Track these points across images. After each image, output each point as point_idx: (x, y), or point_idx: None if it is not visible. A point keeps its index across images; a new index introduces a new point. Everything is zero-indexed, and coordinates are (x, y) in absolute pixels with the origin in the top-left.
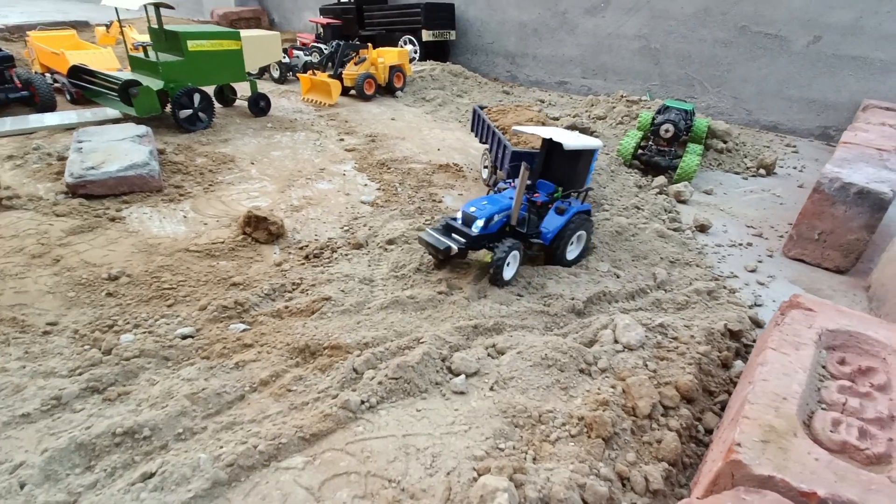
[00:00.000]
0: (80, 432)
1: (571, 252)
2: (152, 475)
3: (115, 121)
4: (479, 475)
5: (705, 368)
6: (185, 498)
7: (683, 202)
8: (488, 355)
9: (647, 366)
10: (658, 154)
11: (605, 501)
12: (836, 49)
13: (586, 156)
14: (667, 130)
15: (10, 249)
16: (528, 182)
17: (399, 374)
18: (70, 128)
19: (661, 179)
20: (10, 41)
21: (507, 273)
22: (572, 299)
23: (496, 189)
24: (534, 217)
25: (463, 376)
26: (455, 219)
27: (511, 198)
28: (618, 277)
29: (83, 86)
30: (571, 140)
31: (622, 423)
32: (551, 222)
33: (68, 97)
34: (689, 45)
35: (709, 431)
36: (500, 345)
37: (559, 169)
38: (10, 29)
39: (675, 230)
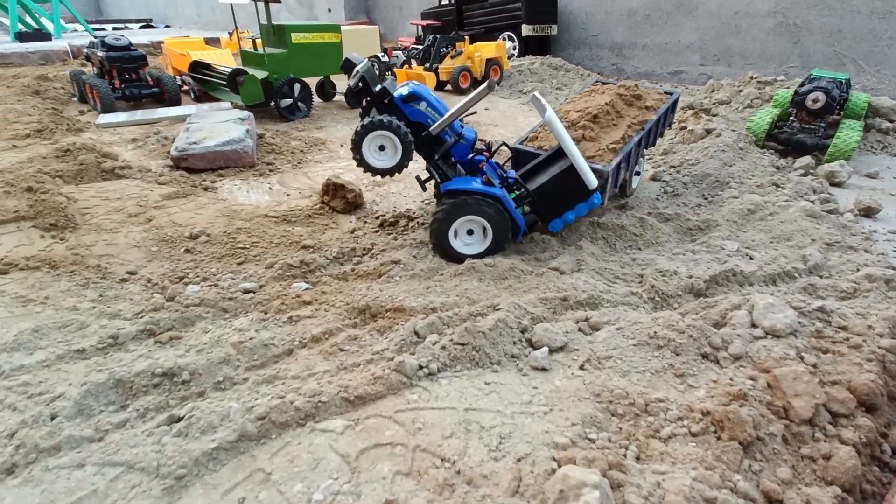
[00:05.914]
0: (121, 369)
1: (463, 245)
2: (179, 419)
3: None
4: (561, 466)
5: (891, 369)
6: (206, 448)
7: (838, 185)
8: (579, 330)
9: (802, 358)
10: (802, 131)
11: None
12: None
13: (568, 179)
14: (815, 100)
15: (111, 209)
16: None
17: (467, 339)
18: None
19: (805, 160)
20: (155, 55)
21: (375, 159)
22: (690, 277)
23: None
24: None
25: (545, 349)
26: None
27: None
28: (751, 259)
29: (201, 78)
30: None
31: (769, 426)
32: (462, 180)
33: (192, 95)
34: (838, 19)
35: None
36: (595, 319)
37: (539, 178)
38: (154, 44)
39: (829, 212)
